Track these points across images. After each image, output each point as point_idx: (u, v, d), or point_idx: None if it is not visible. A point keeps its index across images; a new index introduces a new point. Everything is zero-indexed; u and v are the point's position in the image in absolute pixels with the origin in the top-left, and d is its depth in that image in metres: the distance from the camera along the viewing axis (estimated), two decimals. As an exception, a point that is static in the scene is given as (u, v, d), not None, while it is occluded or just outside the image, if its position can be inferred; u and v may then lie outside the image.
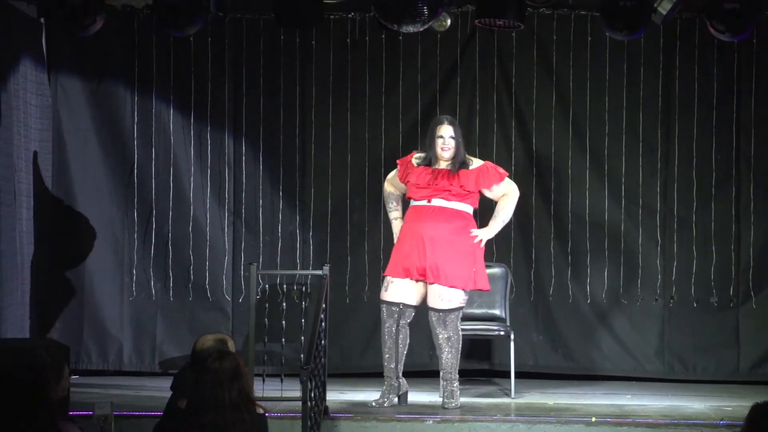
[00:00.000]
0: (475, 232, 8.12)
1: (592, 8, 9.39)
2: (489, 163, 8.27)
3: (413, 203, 8.16)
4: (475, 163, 8.19)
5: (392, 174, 8.41)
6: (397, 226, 8.31)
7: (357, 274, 9.87)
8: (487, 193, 8.20)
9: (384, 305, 8.10)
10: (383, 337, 8.11)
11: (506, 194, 8.22)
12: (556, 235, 9.86)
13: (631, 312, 9.83)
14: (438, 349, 8.08)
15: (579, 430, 7.53)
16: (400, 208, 8.34)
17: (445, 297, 8.00)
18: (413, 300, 8.09)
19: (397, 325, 8.06)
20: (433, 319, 8.02)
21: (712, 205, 9.78)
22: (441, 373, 8.10)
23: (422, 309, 8.15)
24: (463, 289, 8.04)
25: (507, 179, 8.25)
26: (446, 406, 8.03)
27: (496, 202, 8.27)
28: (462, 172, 8.08)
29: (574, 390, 9.21)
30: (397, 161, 8.37)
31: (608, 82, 9.80)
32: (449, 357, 8.04)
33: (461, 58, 9.91)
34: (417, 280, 8.06)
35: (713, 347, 9.78)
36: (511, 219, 9.64)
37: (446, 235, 8.01)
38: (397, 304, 8.06)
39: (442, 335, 8.01)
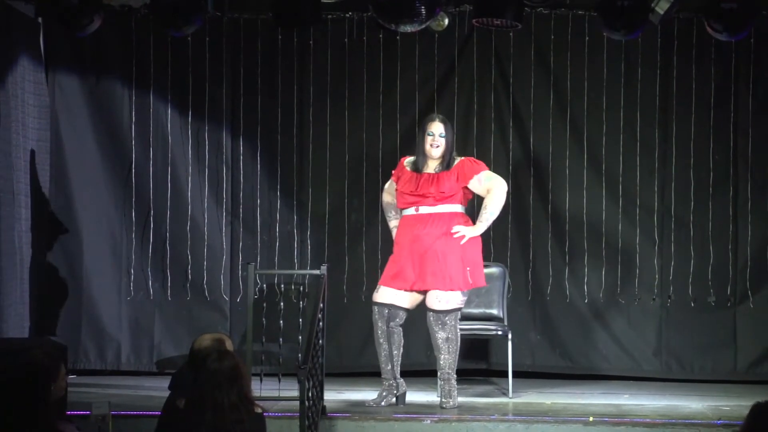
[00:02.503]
0: (457, 228, 8.07)
1: (589, 8, 9.39)
2: (468, 158, 8.22)
3: (403, 212, 8.15)
4: (455, 161, 8.15)
5: (389, 183, 8.38)
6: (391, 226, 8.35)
7: (355, 274, 9.87)
8: (472, 188, 8.12)
9: (375, 306, 8.11)
10: (376, 339, 8.11)
11: (490, 190, 8.08)
12: (553, 234, 9.87)
13: (628, 311, 9.84)
14: (436, 350, 8.08)
15: (576, 429, 7.53)
16: (399, 216, 8.32)
17: (443, 299, 8.00)
18: (404, 303, 8.08)
19: (388, 327, 8.06)
20: (431, 319, 8.02)
21: (709, 204, 9.79)
22: (438, 373, 8.10)
23: (416, 310, 8.14)
24: (460, 290, 8.03)
25: (488, 172, 8.12)
26: (444, 405, 8.03)
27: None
28: (442, 174, 8.05)
29: (571, 389, 9.21)
30: (393, 171, 8.34)
31: (606, 82, 9.81)
32: (447, 357, 8.03)
33: (459, 58, 9.91)
34: (412, 291, 8.06)
35: (711, 347, 9.78)
36: (508, 219, 9.72)
37: (436, 241, 7.98)
38: (386, 306, 8.06)
39: (440, 336, 8.01)
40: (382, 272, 8.28)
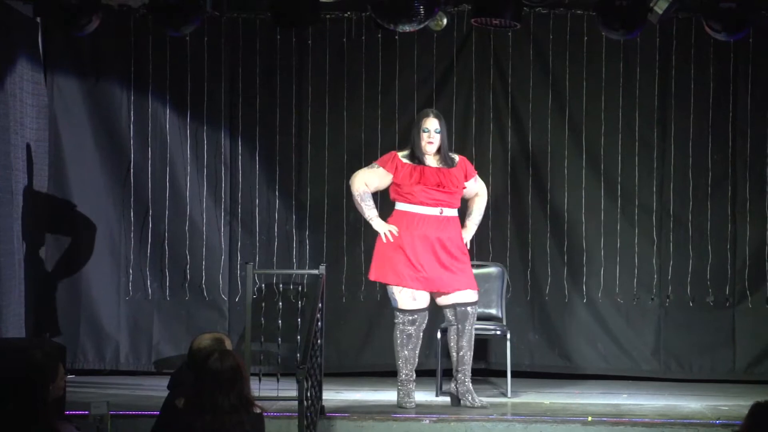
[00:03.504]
0: (465, 237, 8.19)
1: (588, 8, 9.40)
2: (463, 157, 8.32)
3: (417, 210, 8.06)
4: (456, 157, 8.20)
5: (369, 172, 8.17)
6: (380, 225, 8.10)
7: (353, 274, 9.87)
8: (468, 186, 8.19)
9: (412, 314, 8.01)
10: (404, 343, 8.01)
11: (479, 194, 8.27)
12: (552, 234, 9.87)
13: (627, 311, 9.83)
14: (462, 349, 8.03)
15: (575, 429, 7.53)
16: (375, 205, 8.24)
17: (471, 295, 8.04)
18: (427, 304, 8.12)
19: (419, 332, 8.06)
20: (460, 316, 7.98)
21: (708, 204, 9.79)
22: (463, 372, 8.05)
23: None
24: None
25: (477, 176, 8.32)
26: (471, 404, 8.00)
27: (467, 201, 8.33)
28: (452, 171, 8.07)
29: (570, 389, 9.21)
30: (379, 163, 8.18)
31: (604, 82, 9.80)
32: (470, 354, 8.06)
33: (457, 58, 9.91)
34: (433, 291, 8.06)
35: (709, 346, 9.78)
36: (507, 219, 9.75)
37: (455, 244, 8.04)
38: (425, 311, 8.06)
39: (471, 331, 8.01)
40: (394, 280, 8.22)
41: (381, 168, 8.15)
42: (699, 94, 9.77)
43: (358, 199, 8.19)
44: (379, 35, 9.75)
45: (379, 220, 8.17)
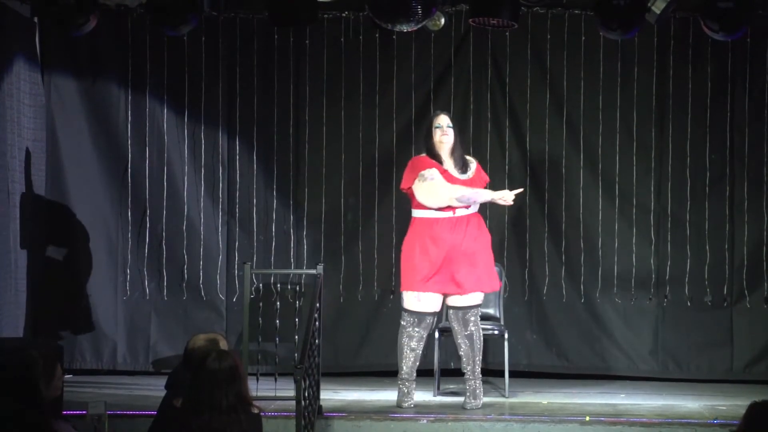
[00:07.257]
0: (501, 194, 8.06)
1: (586, 7, 9.41)
2: (478, 164, 8.30)
3: (431, 215, 8.01)
4: (471, 162, 8.18)
5: (432, 182, 7.95)
6: (489, 193, 8.02)
7: (351, 273, 9.87)
8: None
9: (420, 316, 8.00)
10: (409, 345, 8.01)
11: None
12: (550, 234, 9.86)
13: (625, 311, 9.83)
14: (462, 348, 8.04)
15: (573, 429, 7.53)
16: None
17: (474, 296, 8.05)
18: (438, 308, 8.13)
19: (425, 334, 8.06)
20: (460, 315, 7.99)
21: (706, 204, 9.79)
22: (466, 371, 8.05)
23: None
24: (494, 291, 8.21)
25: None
26: (467, 406, 7.99)
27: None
28: (474, 179, 8.08)
29: (568, 389, 9.21)
30: (425, 167, 8.00)
31: (602, 81, 9.80)
32: (472, 354, 8.04)
33: (455, 58, 9.91)
34: (450, 294, 8.07)
35: (707, 346, 9.78)
36: (505, 219, 9.76)
37: (473, 242, 8.01)
38: (434, 314, 8.06)
39: (470, 331, 8.00)
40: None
41: (433, 168, 8.03)
42: (697, 94, 9.77)
43: (457, 197, 7.97)
44: (377, 35, 9.75)
45: (486, 191, 8.08)
